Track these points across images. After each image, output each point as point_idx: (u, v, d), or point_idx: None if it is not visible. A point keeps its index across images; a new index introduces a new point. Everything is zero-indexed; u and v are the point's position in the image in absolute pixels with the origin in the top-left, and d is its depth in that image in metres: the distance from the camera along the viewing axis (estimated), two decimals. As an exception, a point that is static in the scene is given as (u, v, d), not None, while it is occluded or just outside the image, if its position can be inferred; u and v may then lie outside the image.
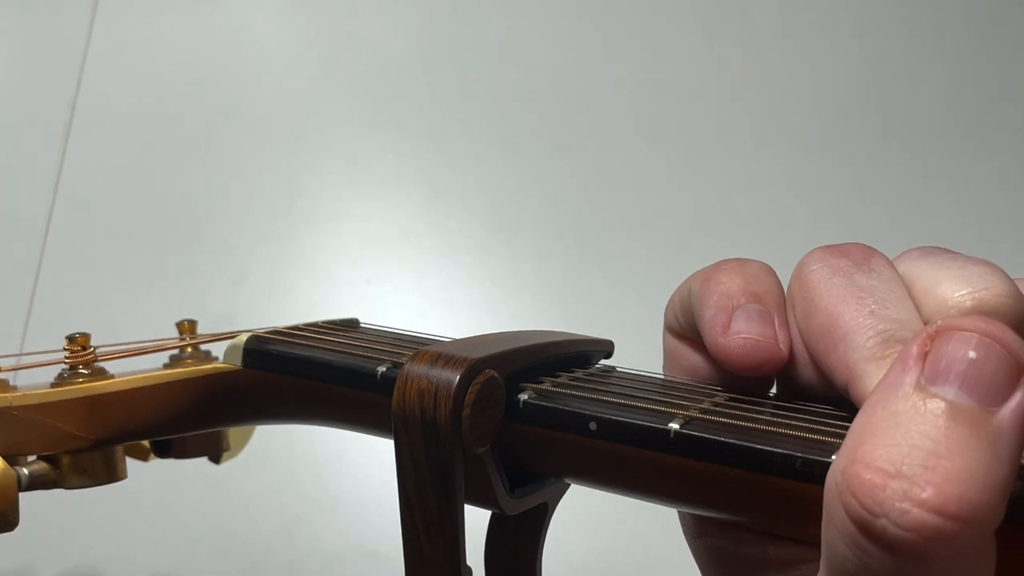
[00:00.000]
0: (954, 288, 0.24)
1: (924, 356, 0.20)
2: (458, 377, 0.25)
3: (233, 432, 0.42)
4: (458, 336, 0.29)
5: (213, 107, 0.83)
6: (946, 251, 0.26)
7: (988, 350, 0.19)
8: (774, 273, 0.27)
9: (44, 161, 0.81)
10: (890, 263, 0.26)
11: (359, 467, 0.68)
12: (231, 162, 0.81)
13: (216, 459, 0.42)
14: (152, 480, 0.66)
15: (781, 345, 0.25)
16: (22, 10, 0.87)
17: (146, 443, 0.40)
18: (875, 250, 0.26)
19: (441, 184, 0.80)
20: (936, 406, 0.19)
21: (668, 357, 0.30)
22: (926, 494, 0.18)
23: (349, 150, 0.81)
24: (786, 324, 0.26)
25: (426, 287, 0.76)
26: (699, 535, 0.28)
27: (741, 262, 0.27)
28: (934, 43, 0.85)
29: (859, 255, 0.26)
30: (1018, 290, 0.24)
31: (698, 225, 0.78)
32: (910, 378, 0.20)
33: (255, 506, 0.67)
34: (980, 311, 0.23)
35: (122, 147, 0.82)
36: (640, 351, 0.34)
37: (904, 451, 0.19)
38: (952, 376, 0.19)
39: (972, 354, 0.19)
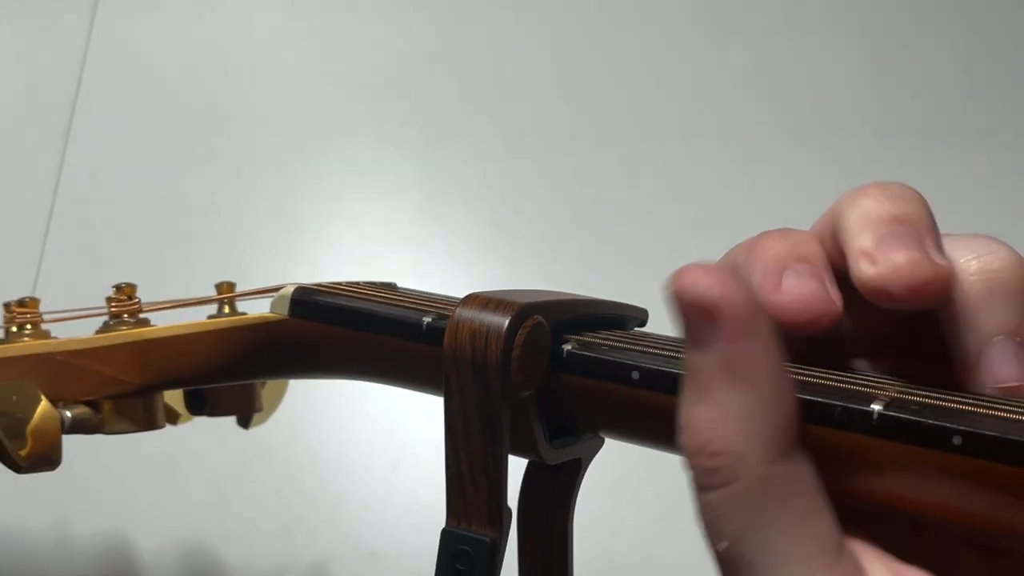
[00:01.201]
0: (960, 254, 0.26)
1: None
2: (508, 320, 0.26)
3: (265, 393, 0.42)
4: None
5: (213, 107, 0.83)
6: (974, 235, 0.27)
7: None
8: (818, 240, 0.28)
9: (44, 161, 0.81)
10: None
11: (359, 467, 0.68)
12: (231, 162, 0.81)
13: (246, 421, 0.43)
14: (151, 479, 0.66)
15: (836, 302, 0.26)
16: (22, 10, 0.87)
17: (177, 406, 0.40)
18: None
19: (441, 184, 0.80)
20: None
21: None
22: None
23: (349, 150, 0.81)
24: (836, 285, 0.26)
25: (426, 287, 0.76)
26: None
27: (785, 230, 0.28)
28: (934, 43, 0.86)
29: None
30: (1019, 257, 0.26)
31: (699, 224, 0.78)
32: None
33: (254, 505, 0.67)
34: (988, 269, 0.25)
35: (122, 147, 0.82)
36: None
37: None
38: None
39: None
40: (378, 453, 0.68)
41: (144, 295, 0.78)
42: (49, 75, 0.85)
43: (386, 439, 0.68)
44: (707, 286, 0.22)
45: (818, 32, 0.86)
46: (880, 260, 0.25)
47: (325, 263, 0.77)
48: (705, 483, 0.22)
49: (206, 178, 0.81)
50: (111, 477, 0.66)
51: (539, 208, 0.79)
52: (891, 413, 0.22)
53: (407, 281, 0.76)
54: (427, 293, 0.34)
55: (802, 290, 0.25)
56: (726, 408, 0.21)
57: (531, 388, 0.27)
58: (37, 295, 0.72)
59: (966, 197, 0.79)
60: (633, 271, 0.76)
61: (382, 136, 0.82)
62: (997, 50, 0.85)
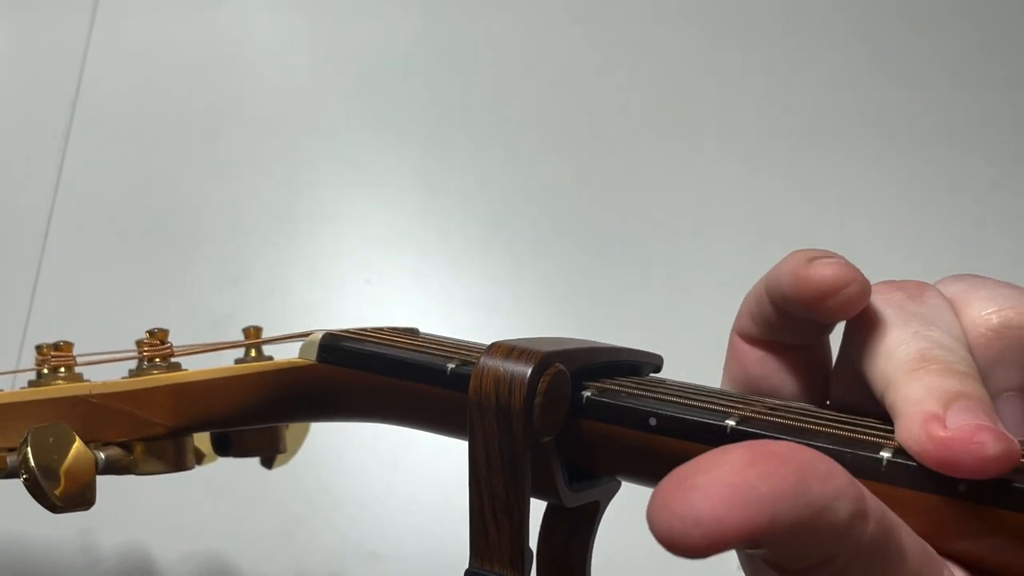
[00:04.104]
0: (983, 307, 0.26)
1: None
2: (531, 368, 0.27)
3: (289, 434, 0.44)
4: (458, 336, 0.30)
5: (213, 107, 0.83)
6: (979, 277, 0.28)
7: None
8: None
9: (44, 161, 0.81)
10: (941, 294, 0.27)
11: (359, 467, 0.68)
12: (231, 162, 0.81)
13: (270, 462, 0.44)
14: (151, 481, 0.66)
15: (865, 278, 0.26)
16: (22, 10, 0.87)
17: (203, 447, 0.42)
18: (929, 284, 0.28)
19: (441, 184, 0.80)
20: None
21: (733, 360, 0.31)
22: None
23: (349, 150, 0.81)
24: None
25: (426, 287, 0.76)
26: None
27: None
28: (934, 43, 0.85)
29: (913, 289, 0.28)
30: None
31: (697, 225, 0.78)
32: None
33: (255, 506, 0.67)
34: (1005, 326, 0.26)
35: (122, 147, 0.82)
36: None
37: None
38: None
39: None
40: (378, 453, 0.68)
41: (143, 295, 0.78)
42: (49, 75, 0.85)
43: (386, 439, 0.68)
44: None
45: (818, 32, 0.86)
46: (813, 264, 0.27)
47: (325, 263, 0.77)
48: (846, 522, 0.19)
49: (206, 178, 0.81)
50: (113, 479, 0.66)
51: (539, 208, 0.79)
52: (900, 460, 0.23)
53: (405, 281, 0.76)
54: (449, 339, 0.35)
55: (830, 263, 0.26)
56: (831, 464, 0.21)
57: (552, 433, 0.28)
58: (37, 294, 0.72)
59: (966, 197, 0.79)
60: (633, 272, 0.76)
61: (382, 136, 0.82)
62: (997, 50, 0.85)
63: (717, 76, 0.84)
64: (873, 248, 0.77)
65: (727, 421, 0.25)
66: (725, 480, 0.18)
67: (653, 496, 0.19)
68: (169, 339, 0.37)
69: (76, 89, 0.84)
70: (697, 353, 0.74)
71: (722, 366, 0.32)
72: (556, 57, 0.85)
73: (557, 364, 0.27)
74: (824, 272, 0.26)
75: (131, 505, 0.66)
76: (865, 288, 0.26)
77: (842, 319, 0.27)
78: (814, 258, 0.27)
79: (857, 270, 0.26)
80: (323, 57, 0.86)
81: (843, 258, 0.27)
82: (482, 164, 0.81)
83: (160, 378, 0.36)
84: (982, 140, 0.81)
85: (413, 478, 0.67)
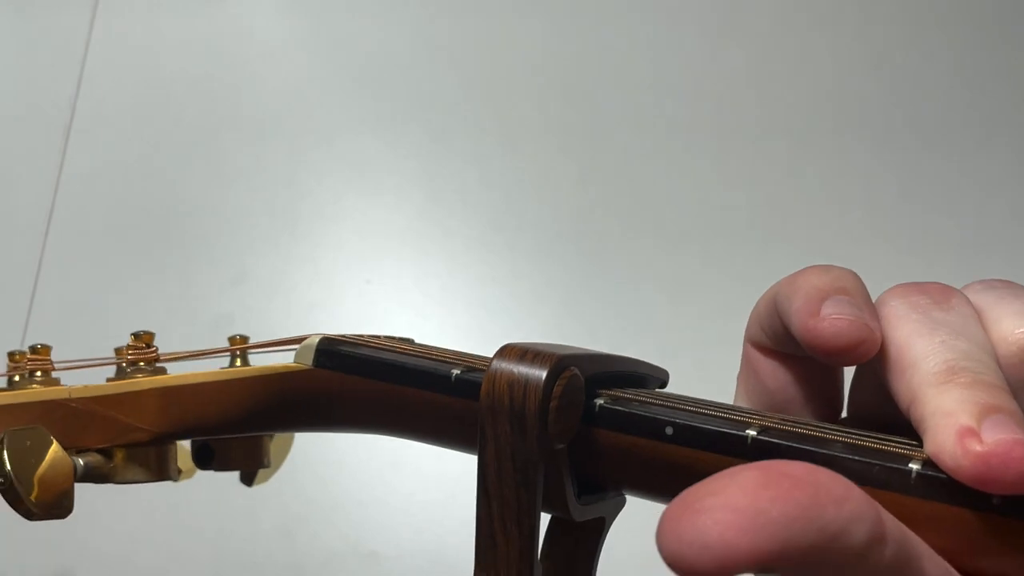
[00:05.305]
0: (1015, 324, 0.25)
1: None
2: (547, 371, 0.26)
3: (274, 448, 0.42)
4: (458, 337, 0.29)
5: (213, 107, 0.83)
6: (1009, 286, 0.27)
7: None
8: (860, 278, 0.28)
9: (44, 161, 0.81)
10: (968, 301, 0.26)
11: (359, 467, 0.68)
12: (231, 162, 0.81)
13: (251, 478, 0.42)
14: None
15: (874, 331, 0.25)
16: (22, 10, 0.87)
17: (182, 463, 0.40)
18: (954, 289, 0.27)
19: (441, 184, 0.80)
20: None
21: (747, 370, 0.30)
22: None
23: (349, 150, 0.81)
24: (876, 318, 0.26)
25: (426, 287, 0.76)
26: None
27: (826, 266, 0.28)
28: (935, 43, 0.85)
29: (938, 293, 0.26)
30: None
31: (697, 224, 0.78)
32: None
33: (255, 505, 0.67)
34: None
35: (122, 147, 0.82)
36: (639, 351, 0.34)
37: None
38: None
39: None
40: (378, 453, 0.68)
41: (143, 294, 0.78)
42: (49, 75, 0.85)
43: (386, 439, 0.68)
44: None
45: (818, 32, 0.86)
46: (821, 314, 0.25)
47: (325, 263, 0.77)
48: (858, 547, 0.19)
49: (206, 178, 0.81)
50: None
51: (539, 208, 0.79)
52: (929, 473, 0.22)
53: (406, 281, 0.76)
54: (446, 349, 0.34)
55: (841, 316, 0.25)
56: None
57: (566, 440, 0.27)
58: (37, 294, 0.72)
59: (966, 197, 0.79)
60: (633, 271, 0.76)
61: (382, 136, 0.82)
62: (997, 51, 0.85)
63: (717, 76, 0.84)
64: (873, 247, 0.77)
65: (748, 431, 0.24)
66: (735, 504, 0.18)
67: (662, 519, 0.18)
68: (155, 343, 0.36)
69: (76, 89, 0.84)
70: (696, 352, 0.74)
71: (722, 364, 0.32)
72: (557, 57, 0.85)
73: (572, 368, 0.26)
74: (834, 329, 0.25)
75: (129, 501, 0.66)
76: (877, 342, 0.25)
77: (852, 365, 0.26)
78: (826, 298, 0.25)
79: (868, 325, 0.25)
80: (323, 57, 0.86)
81: (857, 298, 0.26)
82: (482, 164, 0.81)
83: (147, 381, 0.34)
84: (982, 140, 0.81)
85: (413, 478, 0.67)
